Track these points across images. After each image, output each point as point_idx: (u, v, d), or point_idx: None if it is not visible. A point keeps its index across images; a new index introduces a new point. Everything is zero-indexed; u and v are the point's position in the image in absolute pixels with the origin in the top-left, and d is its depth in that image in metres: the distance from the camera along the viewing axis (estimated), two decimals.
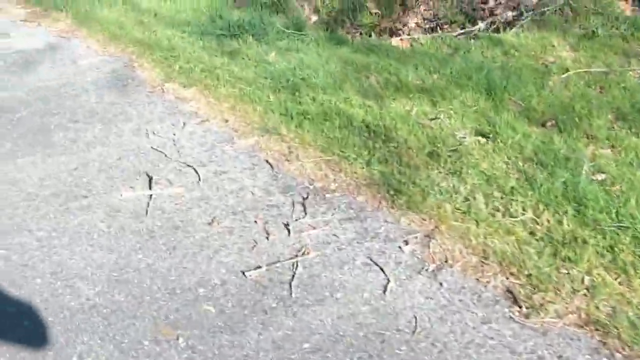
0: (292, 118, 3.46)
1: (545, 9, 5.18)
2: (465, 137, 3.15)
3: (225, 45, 4.77)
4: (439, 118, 3.35)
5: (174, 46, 4.70)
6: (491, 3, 5.83)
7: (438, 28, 6.21)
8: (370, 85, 3.92)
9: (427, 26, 6.30)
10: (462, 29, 6.02)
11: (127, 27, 5.24)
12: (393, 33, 6.41)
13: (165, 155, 3.28)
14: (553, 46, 4.51)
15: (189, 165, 3.16)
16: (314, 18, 6.86)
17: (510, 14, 5.59)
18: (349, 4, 6.61)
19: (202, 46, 4.77)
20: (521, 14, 5.46)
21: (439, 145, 3.11)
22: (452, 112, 3.48)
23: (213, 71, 4.17)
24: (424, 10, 6.26)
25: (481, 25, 5.65)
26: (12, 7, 5.94)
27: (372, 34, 6.63)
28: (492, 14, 5.80)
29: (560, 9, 5.12)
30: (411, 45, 5.50)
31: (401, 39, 5.66)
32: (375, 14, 6.55)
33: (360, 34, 6.08)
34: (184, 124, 3.61)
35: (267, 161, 3.16)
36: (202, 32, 5.07)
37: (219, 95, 3.85)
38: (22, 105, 3.99)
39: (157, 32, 5.13)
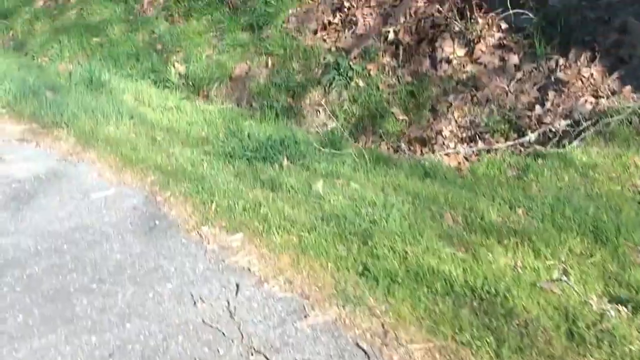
0: (376, 281, 2.78)
1: (610, 119, 4.64)
2: (608, 311, 2.49)
3: (260, 171, 4.13)
4: (560, 280, 2.69)
5: (202, 174, 4.04)
6: (538, 110, 5.30)
7: (477, 137, 5.65)
8: (450, 227, 3.29)
9: (464, 134, 5.75)
10: (507, 139, 5.48)
11: (140, 148, 4.58)
12: (425, 143, 5.86)
13: (224, 334, 2.57)
14: (637, 166, 3.95)
15: (258, 352, 2.45)
16: (331, 124, 6.30)
17: (563, 122, 5.06)
18: (372, 109, 6.05)
19: (234, 173, 4.12)
20: (577, 123, 4.92)
21: (577, 322, 2.44)
22: (567, 266, 2.83)
23: (258, 210, 3.50)
24: (458, 116, 5.71)
25: (531, 136, 5.12)
26: (5, 123, 5.21)
27: (402, 143, 6.07)
28: (540, 122, 5.27)
29: (627, 119, 4.59)
30: (459, 163, 4.92)
31: (447, 154, 5.09)
32: (402, 120, 5.99)
33: (395, 150, 5.49)
34: (237, 285, 2.92)
35: (358, 345, 2.46)
36: (229, 154, 4.42)
37: (273, 244, 3.17)
38: (32, 257, 3.26)
39: (175, 154, 4.47)
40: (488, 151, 5.29)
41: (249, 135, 4.64)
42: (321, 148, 4.55)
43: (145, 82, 7.45)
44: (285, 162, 4.28)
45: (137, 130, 5.05)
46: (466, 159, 5.23)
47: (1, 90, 5.78)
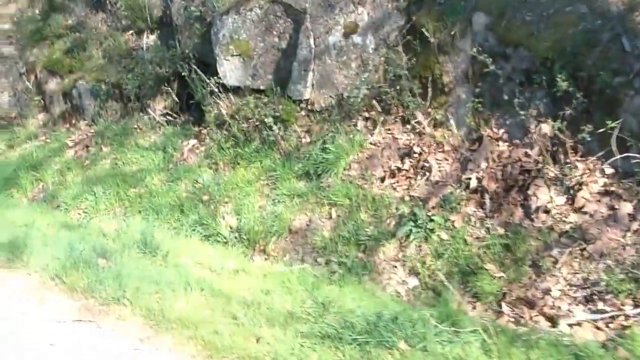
0: None
1: None
2: None
3: None
4: None
5: None
6: None
7: (596, 298, 4.91)
8: None
9: (578, 294, 5.00)
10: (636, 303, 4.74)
11: (222, 330, 3.82)
12: (533, 305, 5.10)
13: None
14: None
15: None
16: (413, 282, 5.58)
17: None
18: (461, 266, 5.34)
19: None
20: None
21: None
22: None
23: None
24: (568, 273, 4.98)
25: None
26: (57, 298, 4.48)
27: (503, 304, 5.31)
28: None
29: None
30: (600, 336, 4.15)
31: (575, 324, 4.33)
32: (500, 278, 5.26)
33: (517, 321, 4.75)
34: None
35: None
36: (331, 337, 3.66)
37: None
38: None
39: (265, 338, 3.70)
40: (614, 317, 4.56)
41: (331, 303, 3.91)
42: (437, 324, 3.79)
43: (195, 237, 6.79)
44: (402, 346, 3.52)
45: (210, 305, 4.32)
46: (597, 328, 4.47)
47: (48, 257, 5.07)
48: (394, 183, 6.33)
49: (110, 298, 4.43)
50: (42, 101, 11.17)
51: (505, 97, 5.82)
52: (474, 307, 5.19)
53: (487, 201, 5.62)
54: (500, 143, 5.98)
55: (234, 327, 3.96)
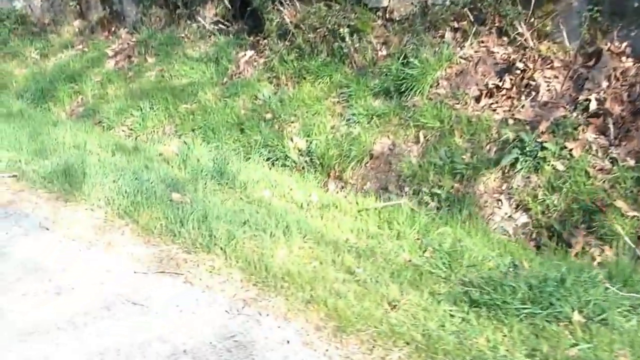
0: None
1: None
2: None
3: (545, 335, 2.63)
4: None
5: (471, 348, 2.54)
6: None
7: None
8: None
9: None
10: None
11: (342, 291, 3.12)
12: None
13: None
14: None
15: None
16: (522, 219, 4.85)
17: None
18: (582, 202, 4.58)
19: (518, 342, 2.62)
20: None
21: None
22: None
23: None
24: None
25: None
26: (130, 242, 3.79)
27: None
28: None
29: None
30: None
31: None
32: (633, 217, 4.51)
33: None
34: None
35: None
36: (481, 303, 2.96)
37: None
38: None
39: (397, 301, 3.00)
40: None
41: (482, 262, 3.17)
42: (609, 286, 3.07)
43: (260, 160, 6.06)
44: (576, 317, 2.80)
45: (316, 254, 3.61)
46: None
47: (112, 189, 4.35)
48: (493, 103, 5.51)
49: (198, 244, 3.71)
50: (78, 6, 10.23)
51: (636, 4, 4.90)
52: (602, 251, 4.46)
53: (611, 127, 4.81)
54: (624, 59, 5.08)
55: (355, 286, 3.25)
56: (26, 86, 9.25)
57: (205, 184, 4.64)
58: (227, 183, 4.76)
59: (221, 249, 3.63)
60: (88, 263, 3.54)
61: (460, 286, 3.25)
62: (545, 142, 4.95)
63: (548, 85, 5.31)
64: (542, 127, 5.08)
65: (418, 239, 4.02)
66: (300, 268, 3.40)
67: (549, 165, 4.90)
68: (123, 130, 7.77)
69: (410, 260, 3.65)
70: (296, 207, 4.54)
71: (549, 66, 5.42)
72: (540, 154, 4.96)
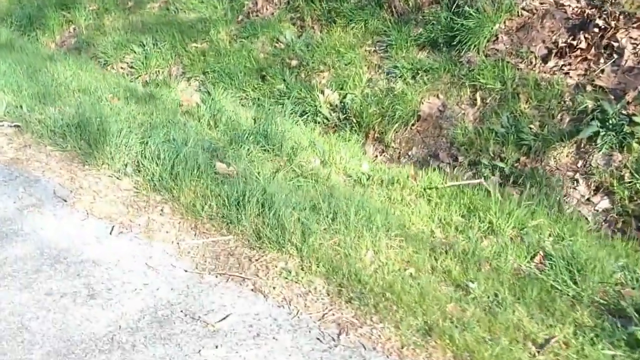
0: None
1: None
2: None
3: None
4: None
5: None
6: None
7: None
8: None
9: None
10: None
11: (463, 318, 2.39)
12: None
13: None
14: None
15: None
16: (602, 203, 4.19)
17: None
18: None
19: None
20: None
21: None
22: None
23: None
24: None
25: None
26: (172, 226, 3.00)
27: None
28: None
29: None
30: None
31: None
32: None
33: None
34: None
35: None
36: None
37: None
38: None
39: (538, 336, 2.29)
40: None
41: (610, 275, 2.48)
42: None
43: (291, 116, 5.27)
44: None
45: (411, 258, 2.84)
46: None
47: (142, 155, 3.50)
48: (565, 65, 4.75)
49: (265, 238, 2.91)
50: None
51: None
52: None
53: None
54: None
55: (474, 309, 2.49)
56: (9, 10, 8.24)
57: (249, 149, 3.82)
58: (272, 149, 3.95)
59: (296, 247, 2.84)
60: (123, 253, 2.77)
61: (604, 313, 2.54)
62: (635, 115, 4.23)
63: (634, 48, 4.55)
64: (629, 96, 4.35)
65: (517, 236, 3.29)
66: (397, 278, 2.65)
67: (638, 142, 4.19)
68: (122, 68, 6.91)
69: (522, 270, 2.92)
70: (354, 182, 3.77)
71: (635, 25, 4.65)
72: (626, 128, 4.25)
